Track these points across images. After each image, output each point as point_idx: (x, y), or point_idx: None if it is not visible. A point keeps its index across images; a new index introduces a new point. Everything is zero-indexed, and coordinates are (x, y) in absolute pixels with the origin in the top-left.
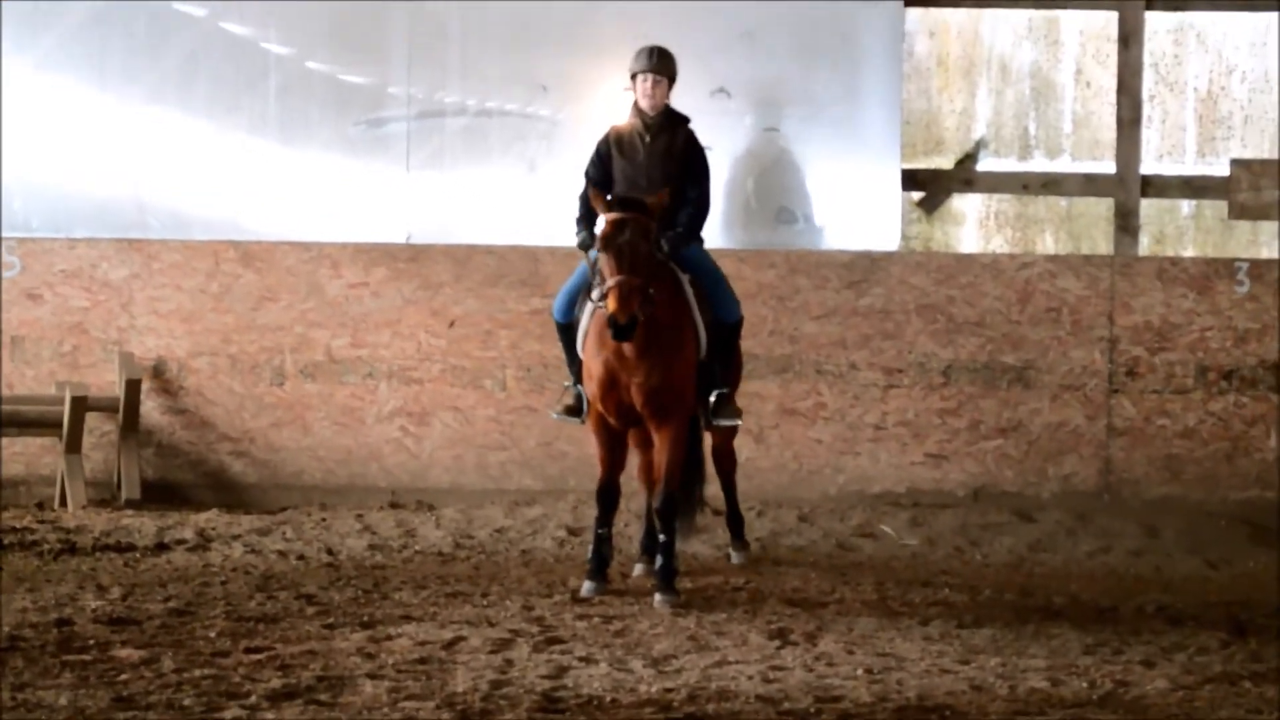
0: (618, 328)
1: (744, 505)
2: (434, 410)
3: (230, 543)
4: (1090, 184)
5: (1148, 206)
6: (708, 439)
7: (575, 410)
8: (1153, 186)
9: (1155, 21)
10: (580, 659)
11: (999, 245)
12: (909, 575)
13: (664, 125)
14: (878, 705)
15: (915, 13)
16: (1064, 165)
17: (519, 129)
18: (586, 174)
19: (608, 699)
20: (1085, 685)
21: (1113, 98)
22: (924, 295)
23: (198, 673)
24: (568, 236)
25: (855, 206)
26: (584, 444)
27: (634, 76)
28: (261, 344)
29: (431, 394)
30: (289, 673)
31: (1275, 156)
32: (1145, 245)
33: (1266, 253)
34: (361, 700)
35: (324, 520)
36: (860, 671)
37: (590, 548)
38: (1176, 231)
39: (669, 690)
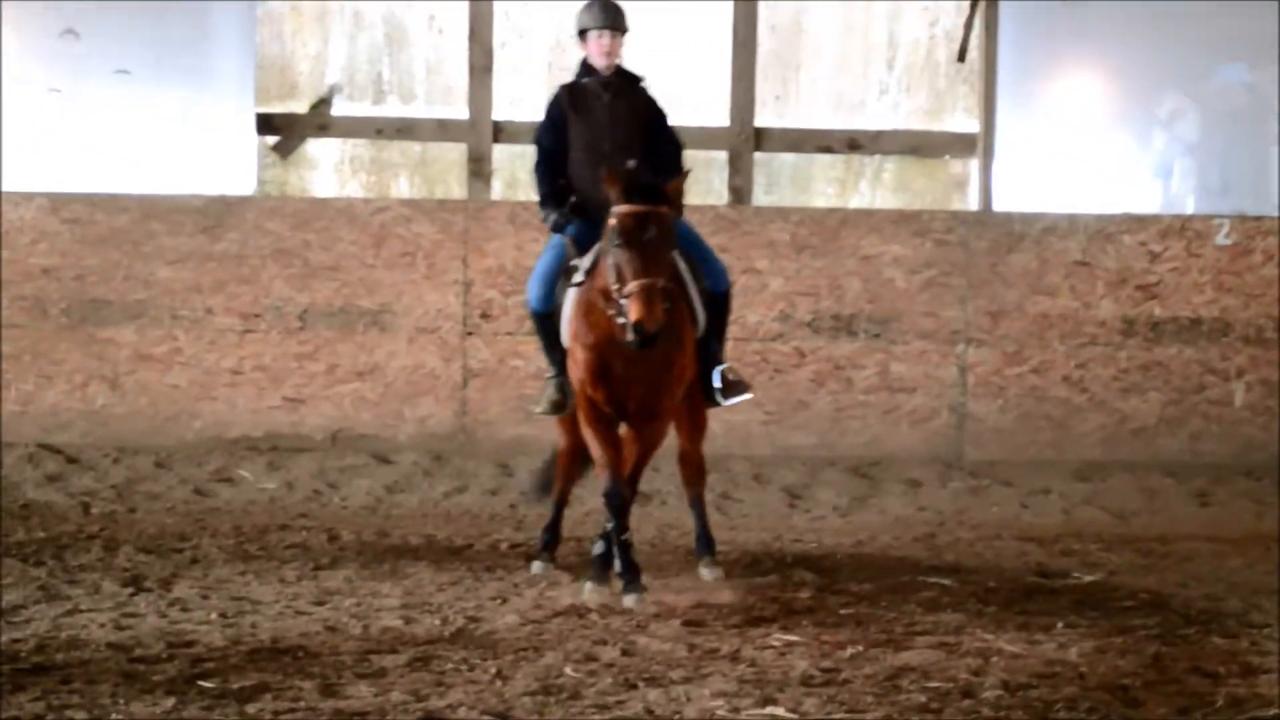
0: (645, 337)
1: (100, 453)
2: None
3: None
4: (444, 129)
5: (500, 152)
6: (674, 443)
7: (561, 405)
8: (504, 132)
9: None
10: None
11: (355, 190)
12: (267, 519)
13: (622, 85)
14: (230, 648)
15: None
16: (418, 111)
17: None
18: (538, 140)
19: None
20: (438, 622)
21: (465, 44)
22: (280, 240)
23: None
24: None
25: (209, 150)
26: None
27: (583, 33)
28: None
29: None
30: None
31: None
32: (498, 190)
33: None
34: None
35: None
36: (214, 616)
37: (618, 559)
38: (528, 176)
39: (16, 641)
